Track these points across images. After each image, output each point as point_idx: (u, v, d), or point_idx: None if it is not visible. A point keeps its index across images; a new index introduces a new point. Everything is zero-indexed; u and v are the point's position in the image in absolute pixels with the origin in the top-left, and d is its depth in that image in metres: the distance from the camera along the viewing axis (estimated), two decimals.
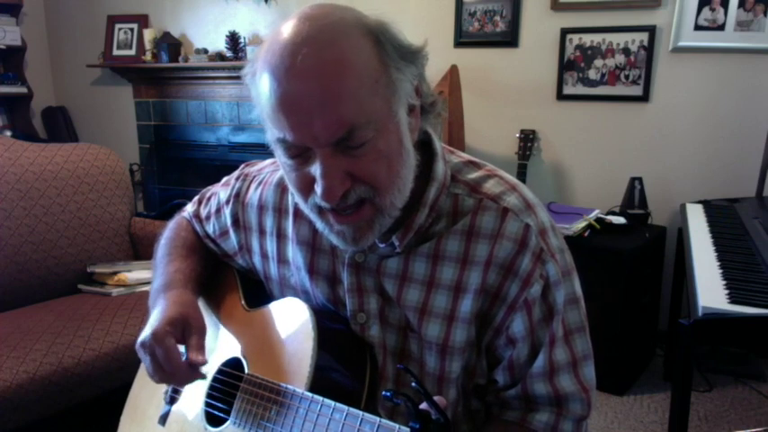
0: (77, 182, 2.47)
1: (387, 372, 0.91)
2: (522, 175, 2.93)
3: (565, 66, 3.02)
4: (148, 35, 4.01)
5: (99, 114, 4.50)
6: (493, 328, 0.88)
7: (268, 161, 1.07)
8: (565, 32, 2.99)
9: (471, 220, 0.87)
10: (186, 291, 1.00)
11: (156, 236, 1.17)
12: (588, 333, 0.92)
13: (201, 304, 1.05)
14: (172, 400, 1.04)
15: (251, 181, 1.06)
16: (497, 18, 3.13)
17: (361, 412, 0.75)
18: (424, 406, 0.67)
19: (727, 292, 1.55)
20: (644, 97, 2.88)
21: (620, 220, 2.71)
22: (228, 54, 3.78)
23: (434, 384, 0.90)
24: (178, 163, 4.28)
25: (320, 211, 0.82)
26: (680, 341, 1.52)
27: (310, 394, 0.81)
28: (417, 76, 0.81)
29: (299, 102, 0.73)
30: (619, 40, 2.88)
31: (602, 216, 2.74)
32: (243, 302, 1.04)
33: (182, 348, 0.91)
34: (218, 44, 3.86)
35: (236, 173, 1.11)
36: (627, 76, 2.90)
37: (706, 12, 2.70)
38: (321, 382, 0.83)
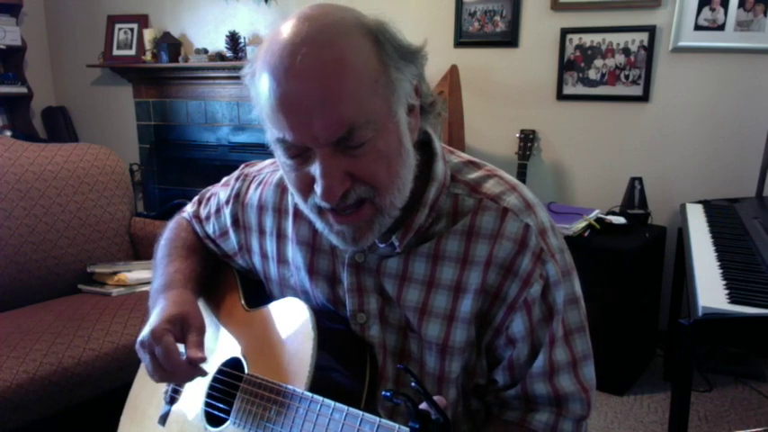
0: (77, 182, 2.47)
1: (387, 372, 0.91)
2: (522, 175, 2.93)
3: (565, 66, 3.02)
4: (148, 35, 4.01)
5: (99, 114, 4.50)
6: (493, 328, 0.88)
7: (268, 161, 1.07)
8: (565, 32, 2.99)
9: (471, 220, 0.87)
10: (186, 291, 1.01)
11: (156, 236, 1.17)
12: (588, 333, 0.92)
13: (201, 304, 1.05)
14: (172, 400, 1.04)
15: (251, 181, 1.06)
16: (497, 18, 3.13)
17: (360, 412, 0.75)
18: (423, 406, 0.67)
19: (727, 292, 1.55)
20: (644, 97, 2.88)
21: (620, 220, 2.71)
22: (228, 54, 3.78)
23: (434, 384, 0.90)
24: (178, 163, 4.28)
25: (320, 211, 0.82)
26: (680, 341, 1.52)
27: (310, 394, 0.81)
28: (417, 75, 0.81)
29: (299, 102, 0.73)
30: (619, 40, 2.88)
31: (602, 216, 2.74)
32: (243, 302, 1.04)
33: (181, 348, 0.91)
34: (218, 44, 3.86)
35: (235, 173, 1.11)
36: (627, 76, 2.90)
37: (706, 12, 2.70)
38: (321, 382, 0.83)
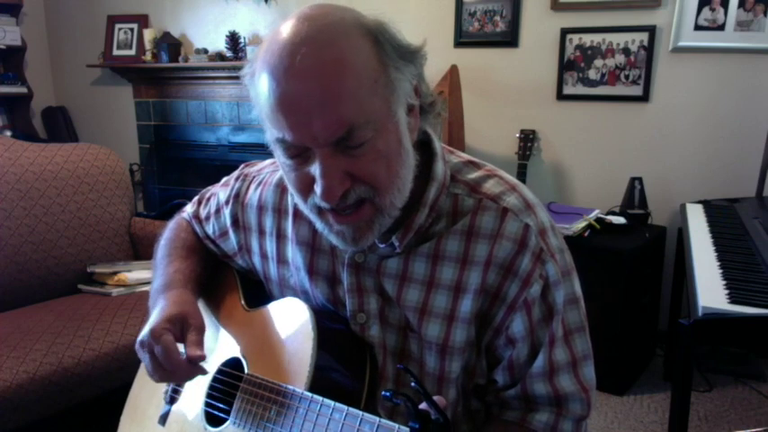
0: (77, 182, 2.47)
1: (386, 372, 0.91)
2: (522, 175, 2.93)
3: (565, 66, 3.02)
4: (148, 35, 4.01)
5: (99, 114, 4.50)
6: (493, 328, 0.88)
7: (267, 161, 1.07)
8: (565, 32, 2.99)
9: (471, 220, 0.87)
10: (186, 291, 1.00)
11: (156, 236, 1.17)
12: (588, 333, 0.92)
13: (201, 304, 1.05)
14: (172, 400, 1.04)
15: (250, 181, 1.06)
16: (497, 18, 3.13)
17: (360, 412, 0.75)
18: (423, 406, 0.67)
19: (727, 292, 1.55)
20: (644, 97, 2.88)
21: (620, 220, 2.71)
22: (228, 54, 3.78)
23: (434, 384, 0.90)
24: (178, 163, 4.28)
25: (320, 211, 0.82)
26: (680, 341, 1.52)
27: (310, 394, 0.81)
28: (416, 75, 0.81)
29: (298, 102, 0.73)
30: (619, 40, 2.88)
31: (602, 216, 2.74)
32: (243, 302, 1.04)
33: (181, 347, 0.91)
34: (218, 44, 3.86)
35: (235, 173, 1.11)
36: (627, 76, 2.90)
37: (706, 12, 2.70)
38: (321, 382, 0.83)
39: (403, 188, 0.82)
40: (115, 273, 2.36)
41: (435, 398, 0.66)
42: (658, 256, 2.83)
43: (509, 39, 3.11)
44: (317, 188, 0.77)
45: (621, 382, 2.59)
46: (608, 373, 2.46)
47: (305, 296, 0.97)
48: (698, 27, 2.72)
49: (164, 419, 1.04)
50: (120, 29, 4.19)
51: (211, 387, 0.99)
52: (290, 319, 0.91)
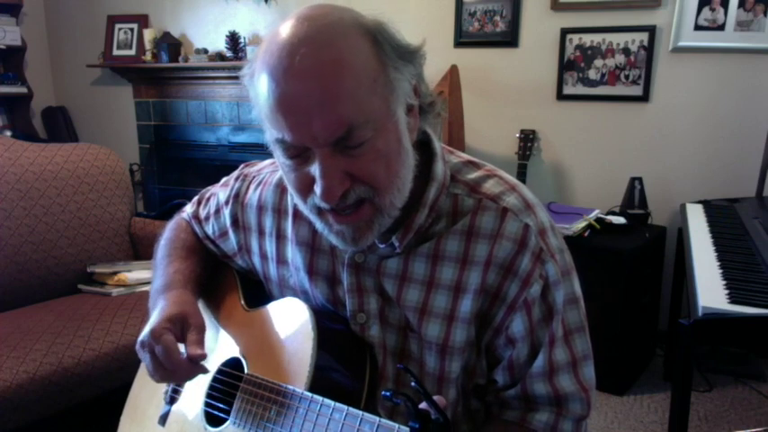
0: (77, 182, 2.47)
1: (387, 372, 0.91)
2: (522, 175, 2.93)
3: (565, 66, 3.02)
4: (148, 35, 4.01)
5: (99, 114, 4.50)
6: (492, 328, 0.88)
7: (267, 161, 1.07)
8: (565, 32, 2.99)
9: (471, 220, 0.87)
10: (185, 291, 1.01)
11: (156, 236, 1.17)
12: (588, 333, 0.92)
13: (201, 304, 1.05)
14: (172, 400, 1.05)
15: (250, 181, 1.06)
16: (497, 18, 3.13)
17: (360, 412, 0.75)
18: (423, 405, 0.67)
19: (727, 292, 1.55)
20: (644, 97, 2.88)
21: (620, 220, 2.71)
22: (228, 54, 3.78)
23: (434, 384, 0.90)
24: (178, 163, 4.28)
25: (319, 211, 0.82)
26: (680, 341, 1.52)
27: (310, 394, 0.81)
28: (416, 75, 0.81)
29: (298, 102, 0.73)
30: (619, 40, 2.88)
31: (602, 216, 2.74)
32: (242, 302, 1.04)
33: (182, 347, 0.91)
34: (218, 44, 3.86)
35: (235, 173, 1.11)
36: (627, 76, 2.90)
37: (706, 12, 2.70)
38: (321, 382, 0.83)
39: (403, 188, 0.82)
40: (115, 273, 2.36)
41: (435, 397, 0.66)
42: (658, 256, 2.83)
43: (509, 39, 3.11)
44: (317, 188, 0.77)
45: (621, 382, 2.59)
46: (608, 373, 2.46)
47: (305, 296, 0.97)
48: (698, 27, 2.72)
49: (164, 419, 1.04)
50: (120, 29, 4.19)
51: (211, 387, 0.99)
52: (290, 319, 0.91)
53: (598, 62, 2.95)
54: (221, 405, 0.96)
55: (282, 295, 1.01)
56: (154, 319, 0.93)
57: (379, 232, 0.83)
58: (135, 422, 1.11)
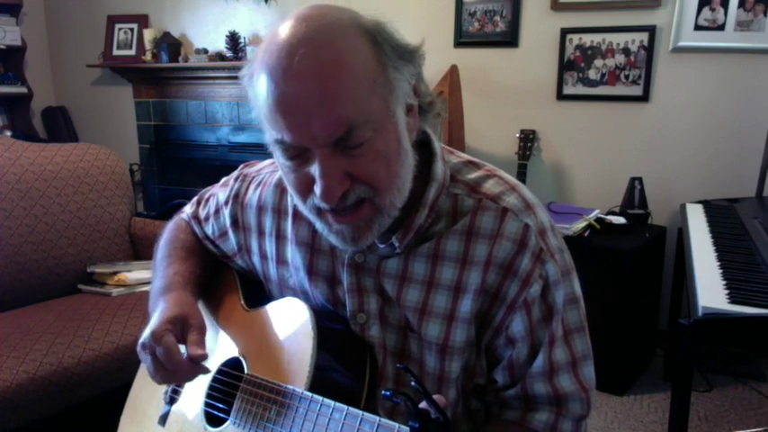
0: (77, 182, 2.47)
1: (387, 371, 0.91)
2: (522, 175, 2.93)
3: (565, 66, 3.02)
4: (148, 35, 4.01)
5: (99, 114, 4.50)
6: (492, 328, 0.88)
7: (267, 161, 1.07)
8: (565, 32, 2.99)
9: (471, 220, 0.87)
10: (185, 292, 1.01)
11: (156, 236, 1.17)
12: (588, 333, 0.92)
13: (201, 305, 1.05)
14: (172, 401, 1.05)
15: (250, 182, 1.06)
16: (497, 18, 3.13)
17: (360, 412, 0.75)
18: (423, 405, 0.67)
19: (727, 292, 1.55)
20: (644, 97, 2.88)
21: (620, 220, 2.71)
22: (228, 54, 3.78)
23: (434, 384, 0.90)
24: (178, 163, 4.28)
25: (319, 211, 0.82)
26: (680, 341, 1.52)
27: (310, 394, 0.81)
28: (415, 75, 0.81)
29: (297, 102, 0.73)
30: (619, 40, 2.88)
31: (602, 216, 2.74)
32: (242, 303, 1.04)
33: (182, 348, 0.91)
34: (218, 44, 3.86)
35: (234, 173, 1.10)
36: (627, 76, 2.90)
37: (706, 12, 2.70)
38: (321, 382, 0.83)
39: (402, 188, 0.82)
40: (115, 273, 2.36)
41: (435, 397, 0.66)
42: (658, 256, 2.83)
43: (509, 39, 3.11)
44: (317, 189, 0.77)
45: (621, 382, 2.59)
46: (608, 373, 2.46)
47: (304, 296, 0.97)
48: (698, 27, 2.72)
49: (164, 420, 1.04)
50: (120, 29, 4.19)
51: (211, 387, 0.99)
52: (290, 319, 0.91)
53: (598, 62, 2.95)
54: (221, 405, 0.96)
55: (282, 295, 1.01)
56: (154, 320, 0.93)
57: (378, 232, 0.83)
58: (135, 422, 1.11)
